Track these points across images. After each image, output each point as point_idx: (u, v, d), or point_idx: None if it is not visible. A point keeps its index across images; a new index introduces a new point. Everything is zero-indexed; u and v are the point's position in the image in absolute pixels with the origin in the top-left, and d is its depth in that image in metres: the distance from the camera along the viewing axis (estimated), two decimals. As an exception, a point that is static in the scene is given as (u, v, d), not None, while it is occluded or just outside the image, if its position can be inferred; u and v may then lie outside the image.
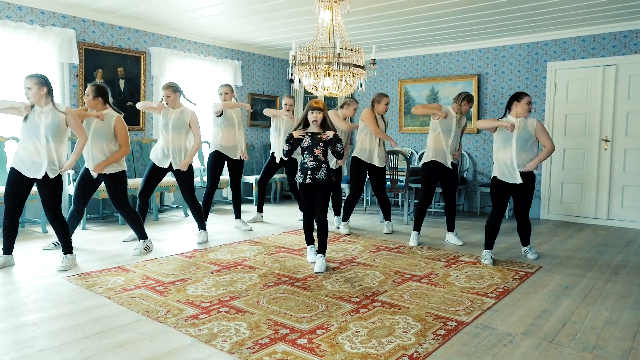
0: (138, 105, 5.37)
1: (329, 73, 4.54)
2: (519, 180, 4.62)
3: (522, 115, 4.63)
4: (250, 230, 6.07)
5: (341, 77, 4.52)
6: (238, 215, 6.23)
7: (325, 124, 4.36)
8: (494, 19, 6.49)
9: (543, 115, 7.38)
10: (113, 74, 6.84)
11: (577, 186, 7.19)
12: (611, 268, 4.58)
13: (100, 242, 5.29)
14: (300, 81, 4.81)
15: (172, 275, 4.06)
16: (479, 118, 7.99)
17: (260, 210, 6.80)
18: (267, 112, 6.64)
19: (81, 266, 4.29)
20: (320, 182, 4.35)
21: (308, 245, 4.65)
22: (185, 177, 5.26)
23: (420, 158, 8.54)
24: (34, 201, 5.65)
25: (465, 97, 5.34)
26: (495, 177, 4.77)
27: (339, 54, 4.42)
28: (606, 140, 6.90)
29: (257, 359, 2.56)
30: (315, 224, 4.54)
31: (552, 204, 7.41)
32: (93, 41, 6.62)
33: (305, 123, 4.37)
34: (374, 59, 5.01)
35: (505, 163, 4.67)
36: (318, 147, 4.32)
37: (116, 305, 3.36)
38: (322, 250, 4.43)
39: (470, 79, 7.99)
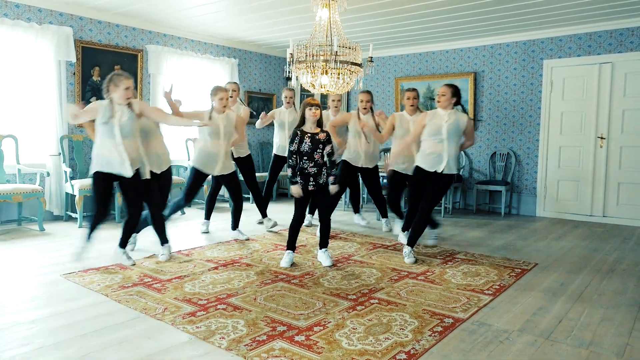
0: (174, 122, 4.80)
1: (326, 71, 4.54)
2: (440, 169, 4.56)
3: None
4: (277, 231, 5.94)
5: (338, 74, 4.52)
6: (264, 214, 6.06)
7: (321, 122, 4.38)
8: (490, 17, 6.50)
9: (539, 113, 7.41)
10: (110, 72, 6.78)
11: (573, 184, 7.22)
12: (607, 265, 4.61)
13: (98, 239, 5.28)
14: (297, 79, 4.81)
15: (169, 273, 4.06)
16: (475, 116, 8.01)
17: (265, 215, 6.25)
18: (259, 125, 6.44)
19: (79, 264, 4.28)
20: (322, 186, 4.35)
21: (288, 249, 4.44)
22: (237, 176, 5.27)
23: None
24: (31, 199, 5.65)
25: (404, 92, 5.45)
26: (418, 167, 4.72)
27: (336, 51, 4.43)
28: (602, 138, 6.93)
29: (255, 355, 2.58)
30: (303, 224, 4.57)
31: (548, 201, 7.44)
32: (90, 39, 6.61)
33: (302, 121, 4.37)
34: (371, 57, 5.02)
35: (432, 153, 4.59)
36: (317, 152, 4.28)
37: (114, 302, 3.36)
38: (325, 245, 4.49)
39: (467, 77, 8.01)
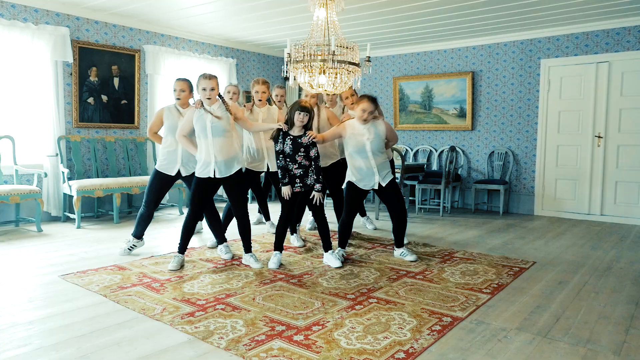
0: (256, 128, 4.60)
1: (323, 70, 4.53)
2: (376, 186, 4.48)
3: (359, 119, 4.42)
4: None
5: (336, 74, 4.51)
6: (267, 216, 5.94)
7: (307, 126, 4.27)
8: (488, 16, 6.51)
9: (537, 112, 7.42)
10: (107, 72, 6.82)
11: (570, 182, 7.24)
12: (604, 263, 4.62)
13: (96, 240, 5.28)
14: (295, 79, 4.80)
15: (168, 273, 4.06)
16: (473, 116, 8.02)
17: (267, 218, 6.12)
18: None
19: (76, 265, 4.29)
20: (310, 188, 4.33)
21: (276, 250, 4.36)
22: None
23: (415, 155, 8.58)
24: (28, 200, 5.64)
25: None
26: (350, 182, 4.57)
27: (334, 51, 4.42)
28: (599, 137, 6.94)
29: (254, 355, 2.58)
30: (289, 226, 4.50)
31: (546, 200, 7.45)
32: (87, 39, 6.60)
33: (290, 122, 4.26)
34: (369, 57, 5.01)
35: (362, 169, 4.47)
36: (299, 154, 4.22)
37: (112, 303, 3.36)
38: (329, 247, 4.45)
39: (465, 76, 8.02)
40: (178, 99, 4.60)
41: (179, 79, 4.65)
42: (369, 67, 5.00)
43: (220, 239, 4.63)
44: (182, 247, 4.27)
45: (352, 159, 4.52)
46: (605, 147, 6.92)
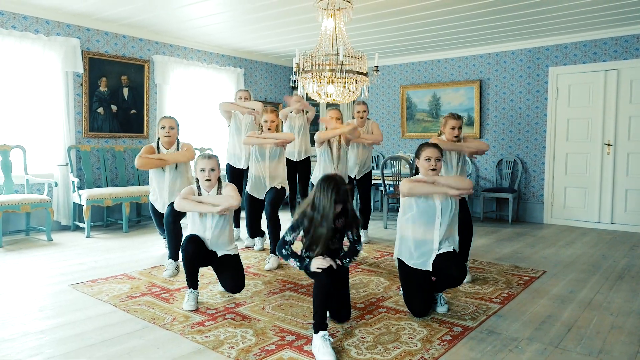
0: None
1: (332, 80, 4.56)
2: (430, 267, 3.27)
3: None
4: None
5: (344, 84, 4.54)
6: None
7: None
8: (496, 25, 6.51)
9: (545, 120, 7.40)
10: (117, 83, 6.89)
11: (580, 190, 7.19)
12: (616, 272, 4.58)
13: (106, 249, 5.31)
14: (303, 88, 4.84)
15: (177, 283, 4.07)
16: (481, 125, 8.00)
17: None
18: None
19: (86, 274, 4.31)
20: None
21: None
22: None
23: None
24: (39, 209, 5.69)
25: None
26: (403, 262, 3.38)
27: (342, 61, 4.45)
28: (609, 145, 6.91)
29: (264, 365, 2.58)
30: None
31: (555, 208, 7.41)
32: (97, 50, 6.67)
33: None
34: (377, 66, 5.03)
35: (419, 242, 3.30)
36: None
37: (122, 312, 3.37)
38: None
39: (472, 85, 8.02)
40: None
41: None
42: (377, 77, 5.02)
43: None
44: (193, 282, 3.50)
45: (409, 226, 3.32)
46: (614, 155, 6.88)
